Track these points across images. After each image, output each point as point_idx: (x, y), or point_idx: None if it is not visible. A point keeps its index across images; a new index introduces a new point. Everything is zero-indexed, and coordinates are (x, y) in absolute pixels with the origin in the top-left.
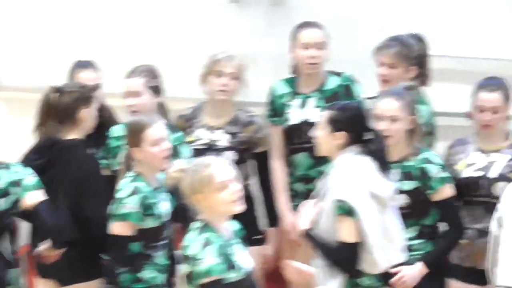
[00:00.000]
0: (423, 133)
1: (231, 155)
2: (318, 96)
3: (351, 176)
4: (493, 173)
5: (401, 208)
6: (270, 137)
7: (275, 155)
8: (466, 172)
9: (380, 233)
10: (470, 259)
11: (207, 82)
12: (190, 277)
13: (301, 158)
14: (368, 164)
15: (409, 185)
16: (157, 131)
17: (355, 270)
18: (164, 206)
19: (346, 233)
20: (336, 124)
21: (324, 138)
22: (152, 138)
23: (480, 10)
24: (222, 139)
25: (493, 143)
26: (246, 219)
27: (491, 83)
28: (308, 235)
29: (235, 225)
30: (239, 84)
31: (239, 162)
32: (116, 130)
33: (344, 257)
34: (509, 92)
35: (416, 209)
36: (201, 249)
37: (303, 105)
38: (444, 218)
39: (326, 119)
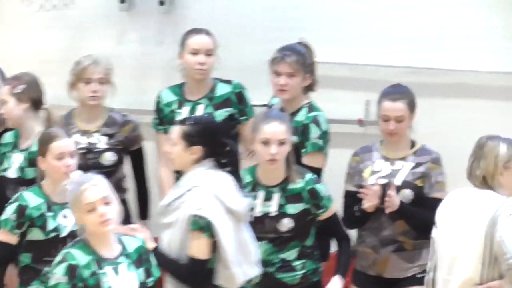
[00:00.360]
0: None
1: (110, 156)
2: (207, 103)
3: (206, 191)
4: (397, 181)
5: (284, 232)
6: (157, 144)
7: (162, 162)
8: (371, 180)
9: (236, 248)
10: (375, 268)
11: (77, 89)
12: None
13: None
14: (223, 178)
15: (295, 208)
16: (64, 144)
17: (208, 286)
18: (66, 221)
19: (197, 249)
20: (190, 139)
21: (179, 153)
22: (57, 151)
23: (371, 16)
24: (100, 141)
25: (398, 151)
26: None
27: (395, 91)
28: (156, 252)
29: (134, 243)
30: (109, 87)
31: (118, 163)
32: (7, 137)
33: (193, 273)
34: (414, 100)
35: (300, 232)
36: (55, 265)
37: (192, 112)
38: (332, 233)
39: (179, 134)
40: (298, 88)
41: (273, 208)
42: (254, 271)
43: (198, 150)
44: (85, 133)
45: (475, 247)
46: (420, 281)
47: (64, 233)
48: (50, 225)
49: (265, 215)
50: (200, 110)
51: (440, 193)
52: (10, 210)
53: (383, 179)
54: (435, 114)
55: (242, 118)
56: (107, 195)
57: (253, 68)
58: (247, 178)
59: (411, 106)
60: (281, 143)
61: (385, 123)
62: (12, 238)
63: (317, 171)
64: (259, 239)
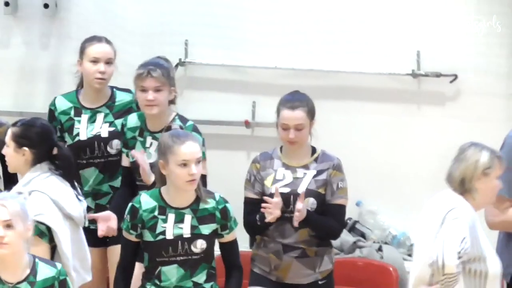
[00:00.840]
0: None
1: None
2: (106, 111)
3: (44, 196)
4: (300, 189)
5: (197, 254)
6: None
7: None
8: (274, 189)
9: (74, 253)
10: (277, 273)
11: None
12: None
13: (90, 173)
14: (59, 183)
15: (208, 228)
16: None
17: None
18: None
19: (37, 254)
20: (19, 141)
21: (11, 155)
22: None
23: (256, 19)
24: None
25: (299, 159)
26: None
27: (294, 99)
28: None
29: (46, 272)
30: None
31: None
32: None
33: None
34: (313, 108)
35: (208, 253)
36: None
37: (91, 120)
38: (227, 259)
39: (10, 136)
40: (166, 102)
41: (186, 230)
42: (89, 276)
43: (27, 152)
44: None
45: (426, 247)
46: (323, 287)
47: None
48: None
49: (178, 237)
50: (99, 118)
51: (343, 199)
52: None
53: (286, 188)
54: (319, 116)
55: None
56: (8, 218)
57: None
58: (149, 203)
59: (311, 114)
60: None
61: (284, 131)
62: None
63: (205, 178)
64: (168, 262)
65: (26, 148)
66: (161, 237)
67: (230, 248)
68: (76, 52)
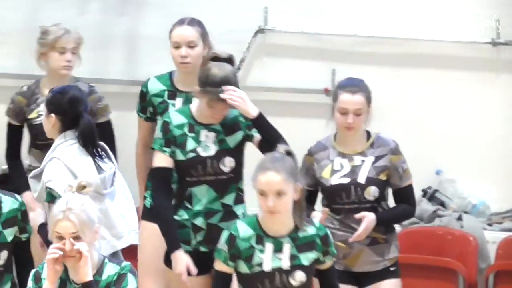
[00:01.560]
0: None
1: None
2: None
3: (60, 163)
4: (361, 179)
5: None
6: (138, 129)
7: (140, 144)
8: (334, 180)
9: (98, 221)
10: (345, 262)
11: (48, 58)
12: None
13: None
14: (78, 151)
15: (308, 259)
16: None
17: None
18: None
19: None
20: (49, 107)
21: (44, 121)
22: None
23: None
24: None
25: (354, 146)
26: None
27: (353, 83)
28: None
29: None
30: (78, 58)
31: None
32: None
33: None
34: (371, 94)
35: (307, 285)
36: None
37: (186, 104)
38: (327, 281)
39: (44, 102)
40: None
41: (284, 261)
42: (121, 244)
43: (53, 119)
44: None
45: None
46: (394, 274)
47: None
48: None
49: (276, 270)
50: (195, 102)
51: (410, 179)
52: None
53: (346, 178)
54: (397, 84)
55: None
56: (75, 231)
57: None
58: (247, 231)
59: (369, 100)
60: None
61: (342, 116)
62: None
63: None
64: None
65: (53, 115)
66: (258, 269)
67: (330, 274)
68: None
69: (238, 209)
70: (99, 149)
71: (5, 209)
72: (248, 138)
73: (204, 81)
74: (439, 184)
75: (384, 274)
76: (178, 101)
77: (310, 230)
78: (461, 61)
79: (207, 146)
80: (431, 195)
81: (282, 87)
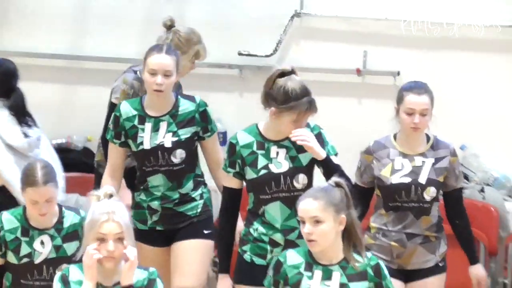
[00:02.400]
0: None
1: None
2: (170, 120)
3: None
4: (422, 179)
5: None
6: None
7: (111, 169)
8: (395, 179)
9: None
10: (399, 261)
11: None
12: None
13: (158, 179)
14: (5, 116)
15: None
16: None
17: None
18: (42, 248)
19: None
20: None
21: None
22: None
23: None
24: None
25: (415, 146)
26: None
27: (418, 85)
28: None
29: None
30: None
31: None
32: None
33: None
34: (433, 96)
35: None
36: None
37: (155, 129)
38: None
39: None
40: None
41: None
42: None
43: None
44: None
45: None
46: (442, 269)
47: (41, 259)
48: (27, 250)
49: None
50: (163, 127)
51: (462, 181)
52: None
53: (407, 178)
54: (426, 65)
55: (205, 134)
56: (120, 231)
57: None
58: (295, 258)
59: (433, 101)
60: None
61: (409, 116)
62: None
63: None
64: None
65: None
66: None
67: None
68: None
69: None
70: (27, 118)
71: (66, 223)
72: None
73: (285, 98)
74: (463, 158)
75: (434, 269)
76: (147, 126)
77: (362, 261)
78: (492, 44)
79: (279, 163)
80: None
81: (317, 67)
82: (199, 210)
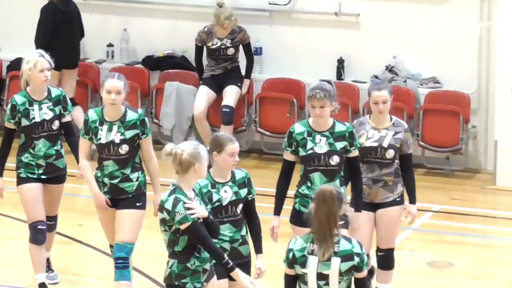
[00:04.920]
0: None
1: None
2: (119, 124)
3: None
4: (385, 144)
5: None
6: (80, 145)
7: (84, 157)
8: (368, 143)
9: None
10: (370, 197)
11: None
12: (164, 222)
13: (109, 164)
14: None
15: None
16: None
17: None
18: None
19: None
20: None
21: None
22: None
23: None
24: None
25: (382, 123)
26: None
27: (379, 83)
28: None
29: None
30: None
31: None
32: None
33: None
34: (392, 89)
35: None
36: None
37: (109, 130)
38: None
39: None
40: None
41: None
42: None
43: None
44: (220, 39)
45: None
46: (399, 202)
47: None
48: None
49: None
50: (114, 130)
51: (412, 149)
52: None
53: (375, 142)
54: (387, 9)
55: (143, 136)
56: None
57: None
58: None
59: (391, 93)
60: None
61: (375, 105)
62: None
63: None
64: None
65: None
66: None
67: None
68: None
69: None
70: None
71: (54, 94)
72: (345, 151)
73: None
74: (395, 64)
75: (393, 202)
76: (104, 128)
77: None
78: None
79: (321, 146)
80: (390, 69)
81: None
82: (134, 188)
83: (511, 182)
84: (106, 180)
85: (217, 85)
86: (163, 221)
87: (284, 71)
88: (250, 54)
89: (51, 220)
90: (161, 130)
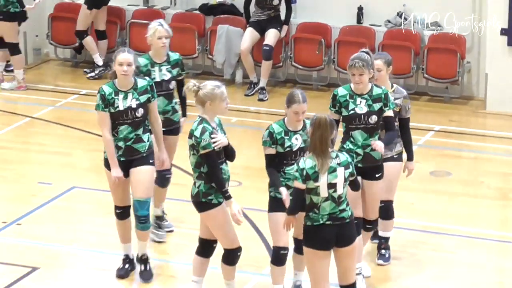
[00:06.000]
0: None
1: None
2: (133, 92)
3: None
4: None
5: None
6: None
7: (106, 130)
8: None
9: None
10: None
11: None
12: (192, 147)
13: (124, 128)
14: None
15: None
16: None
17: None
18: (126, 100)
19: None
20: None
21: None
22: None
23: None
24: None
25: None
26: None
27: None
28: None
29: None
30: None
31: None
32: None
33: None
34: (370, 63)
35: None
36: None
37: (125, 99)
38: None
39: None
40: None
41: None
42: None
43: None
44: None
45: None
46: (398, 159)
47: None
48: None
49: None
50: (129, 97)
51: (410, 115)
52: None
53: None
54: None
55: (152, 99)
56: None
57: None
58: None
59: (368, 67)
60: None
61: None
62: None
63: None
64: None
65: None
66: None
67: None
68: None
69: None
70: None
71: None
72: (382, 111)
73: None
74: (405, 11)
75: (390, 159)
76: (120, 97)
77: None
78: None
79: (361, 108)
80: (400, 15)
81: None
82: (146, 148)
83: (498, 107)
84: (121, 143)
85: (261, 28)
86: (191, 146)
87: (314, 16)
88: (289, 5)
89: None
90: (214, 64)
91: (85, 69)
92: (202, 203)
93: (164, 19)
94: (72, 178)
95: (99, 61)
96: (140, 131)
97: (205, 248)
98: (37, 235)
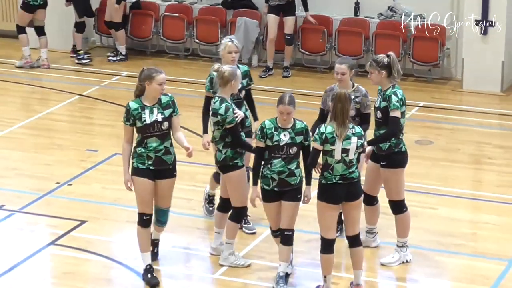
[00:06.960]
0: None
1: None
2: (158, 107)
3: None
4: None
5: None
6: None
7: (126, 142)
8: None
9: None
10: None
11: None
12: (218, 123)
13: (153, 140)
14: None
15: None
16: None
17: None
18: (152, 115)
19: None
20: None
21: None
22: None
23: None
24: None
25: (346, 89)
26: None
27: (342, 60)
28: None
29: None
30: None
31: None
32: None
33: None
34: (352, 65)
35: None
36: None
37: (151, 113)
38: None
39: None
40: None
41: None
42: None
43: None
44: None
45: None
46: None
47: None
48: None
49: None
50: (155, 112)
51: (369, 110)
52: None
53: None
54: None
55: (173, 114)
56: None
57: None
58: None
59: (351, 68)
60: (343, 74)
61: (336, 75)
62: None
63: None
64: None
65: None
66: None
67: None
68: None
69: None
70: None
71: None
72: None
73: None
74: (395, 4)
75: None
76: (146, 111)
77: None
78: None
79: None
80: (391, 8)
81: None
82: (172, 160)
83: (473, 87)
84: (151, 154)
85: (279, 12)
86: (216, 123)
87: (318, 9)
88: None
89: None
90: None
91: (108, 53)
92: (229, 166)
93: (191, 12)
94: (115, 146)
95: (123, 50)
96: (168, 144)
97: (225, 205)
98: (85, 193)
